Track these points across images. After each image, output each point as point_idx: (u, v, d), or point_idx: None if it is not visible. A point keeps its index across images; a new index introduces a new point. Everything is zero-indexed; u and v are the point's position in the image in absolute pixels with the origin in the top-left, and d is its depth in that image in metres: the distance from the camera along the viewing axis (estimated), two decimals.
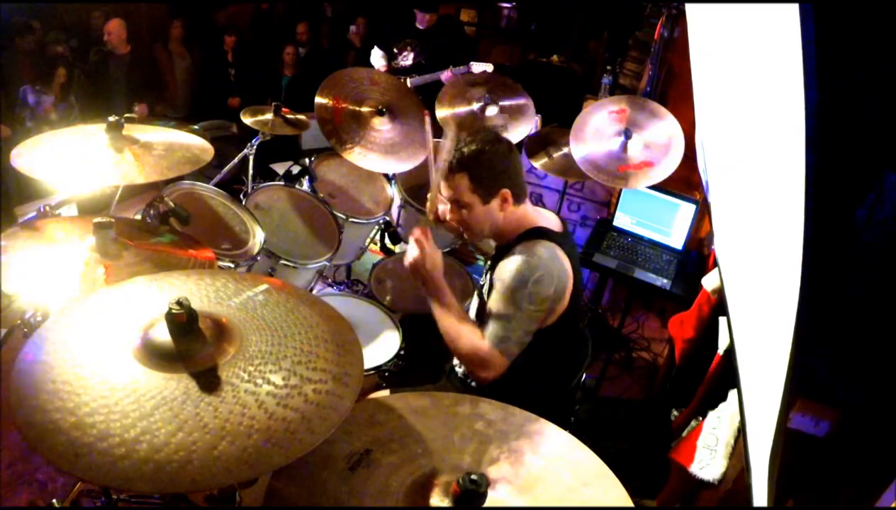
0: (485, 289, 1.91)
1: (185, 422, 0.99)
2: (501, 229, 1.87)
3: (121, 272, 1.59)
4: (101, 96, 4.89)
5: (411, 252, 1.79)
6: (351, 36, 6.15)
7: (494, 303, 1.75)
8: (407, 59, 4.34)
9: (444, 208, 2.11)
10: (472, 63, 3.99)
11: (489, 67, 3.94)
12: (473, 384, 1.93)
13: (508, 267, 1.73)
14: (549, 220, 1.89)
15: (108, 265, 1.60)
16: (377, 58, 4.44)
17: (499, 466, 1.16)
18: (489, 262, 1.95)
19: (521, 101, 3.10)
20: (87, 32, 5.24)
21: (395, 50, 4.36)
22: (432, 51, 4.28)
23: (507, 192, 1.77)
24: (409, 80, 4.22)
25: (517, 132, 2.97)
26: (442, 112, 2.99)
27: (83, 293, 1.48)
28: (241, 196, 2.84)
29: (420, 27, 4.31)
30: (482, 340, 1.74)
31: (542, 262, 1.70)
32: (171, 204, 2.00)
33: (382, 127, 2.70)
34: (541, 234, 1.78)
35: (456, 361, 2.11)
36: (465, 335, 1.75)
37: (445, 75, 4.03)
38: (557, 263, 1.73)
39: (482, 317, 1.93)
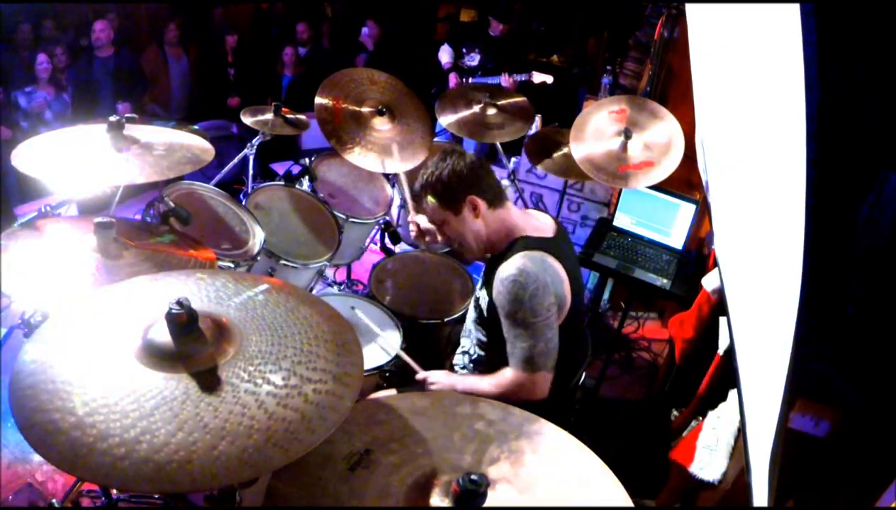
0: (481, 302, 1.91)
1: (185, 422, 0.99)
2: (490, 239, 1.87)
3: (121, 272, 1.59)
4: (88, 95, 4.90)
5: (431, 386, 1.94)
6: (364, 39, 6.13)
7: (505, 330, 1.77)
8: (474, 60, 4.67)
9: (423, 226, 2.22)
10: (533, 72, 4.27)
11: (549, 78, 4.12)
12: None
13: (502, 289, 1.73)
14: (540, 225, 1.88)
15: (107, 265, 1.60)
16: (445, 53, 4.75)
17: (499, 466, 1.15)
18: (483, 276, 1.95)
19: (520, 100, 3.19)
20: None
21: (464, 49, 4.67)
22: (497, 56, 4.60)
23: (473, 198, 1.82)
24: (471, 79, 4.56)
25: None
26: (445, 117, 3.09)
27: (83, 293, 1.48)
28: (241, 196, 2.84)
29: (492, 34, 4.66)
30: (507, 372, 1.77)
31: (530, 277, 1.70)
32: (171, 204, 2.01)
33: (382, 127, 2.70)
34: (527, 244, 1.78)
35: (456, 361, 2.11)
36: (495, 384, 1.79)
37: (504, 80, 4.33)
38: (550, 271, 1.74)
39: (483, 325, 1.92)
